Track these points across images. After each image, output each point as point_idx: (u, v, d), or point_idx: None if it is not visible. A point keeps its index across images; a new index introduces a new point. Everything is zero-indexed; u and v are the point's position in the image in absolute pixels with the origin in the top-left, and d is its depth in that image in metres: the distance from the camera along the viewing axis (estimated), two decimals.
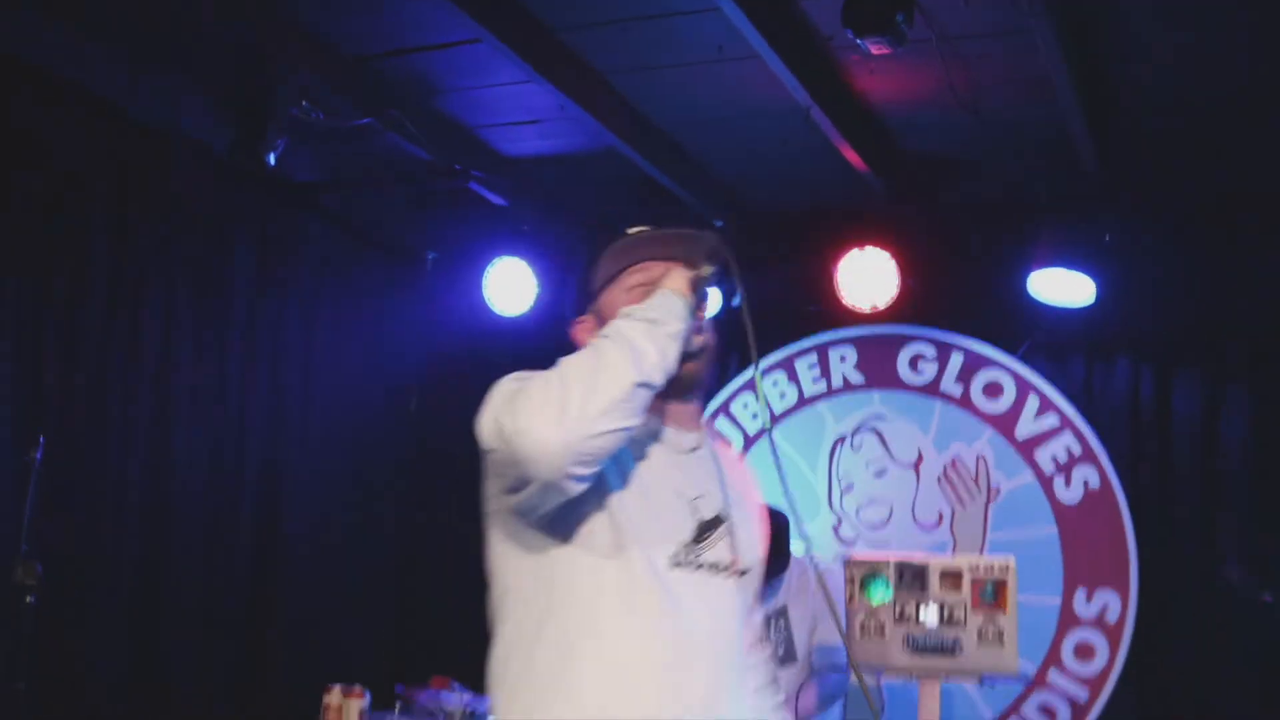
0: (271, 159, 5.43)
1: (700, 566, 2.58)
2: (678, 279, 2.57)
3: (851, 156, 5.60)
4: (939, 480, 6.54)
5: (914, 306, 6.34)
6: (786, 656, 5.26)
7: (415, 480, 7.35)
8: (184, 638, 5.70)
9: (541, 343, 6.69)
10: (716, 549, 2.61)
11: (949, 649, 4.81)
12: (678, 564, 2.55)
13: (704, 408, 2.84)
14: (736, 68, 4.96)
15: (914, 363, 6.61)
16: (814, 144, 5.51)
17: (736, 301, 2.66)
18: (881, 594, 5.01)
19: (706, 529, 2.61)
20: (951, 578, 4.80)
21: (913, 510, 6.61)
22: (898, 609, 4.99)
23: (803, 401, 6.84)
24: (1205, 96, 5.12)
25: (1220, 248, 5.98)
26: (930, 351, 6.58)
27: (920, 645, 4.86)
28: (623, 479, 2.55)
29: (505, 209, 6.48)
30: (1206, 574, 5.85)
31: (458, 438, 7.35)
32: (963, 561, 4.69)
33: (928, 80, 5.02)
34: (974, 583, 4.79)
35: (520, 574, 2.61)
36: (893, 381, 6.67)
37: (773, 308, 6.76)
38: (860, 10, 4.08)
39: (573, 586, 2.53)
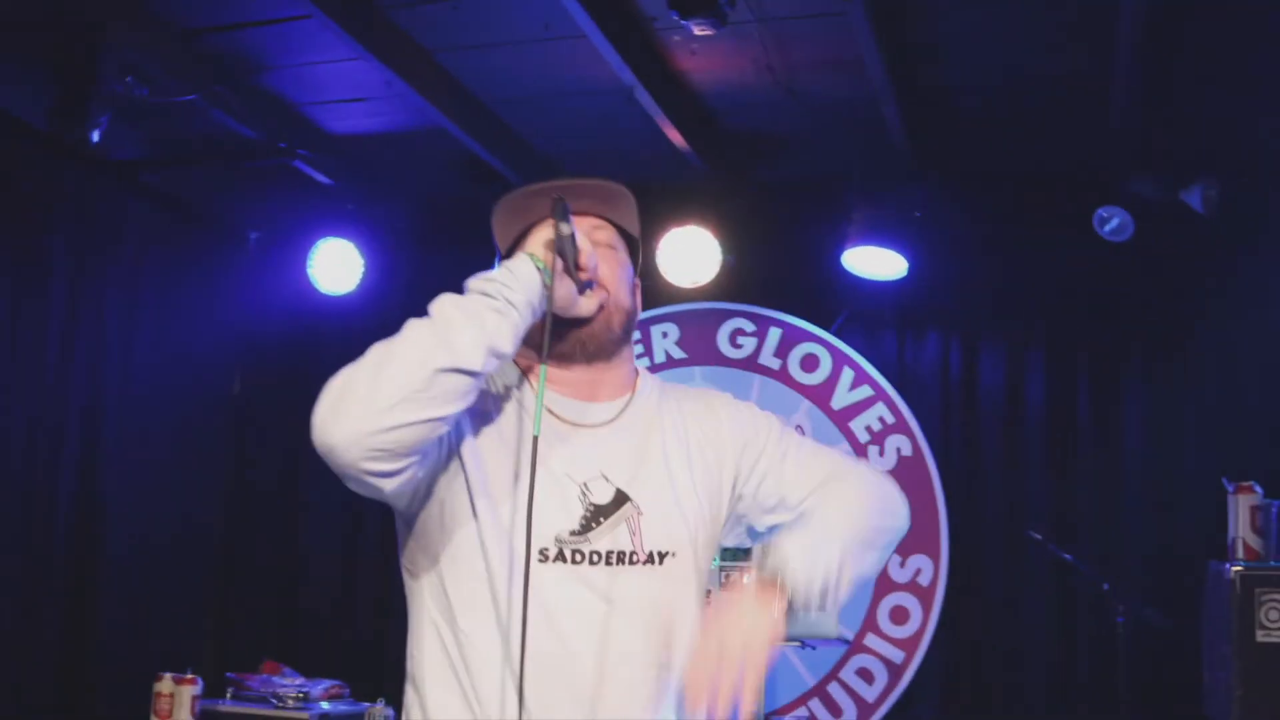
0: (95, 136, 5.36)
1: (585, 559, 2.29)
2: (537, 240, 2.37)
3: (673, 135, 5.72)
4: None
5: (734, 283, 6.52)
6: None
7: (238, 463, 7.31)
8: (4, 630, 5.61)
9: (367, 323, 6.80)
10: (612, 535, 2.32)
11: None
12: (554, 558, 2.28)
13: (627, 371, 2.52)
14: (562, 46, 5.05)
15: (734, 338, 6.78)
16: (637, 122, 5.62)
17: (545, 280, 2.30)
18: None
19: (599, 514, 2.33)
20: None
21: None
22: (724, 576, 5.16)
23: None
24: (1010, 78, 5.36)
25: (1021, 223, 6.26)
26: (749, 327, 6.76)
27: None
28: (485, 468, 2.32)
29: (331, 188, 6.47)
30: (1012, 535, 6.13)
31: (281, 419, 7.37)
32: None
33: (747, 60, 5.16)
34: None
35: (405, 567, 2.44)
36: (714, 357, 6.82)
37: None
38: None
39: (434, 589, 2.35)
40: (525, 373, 2.47)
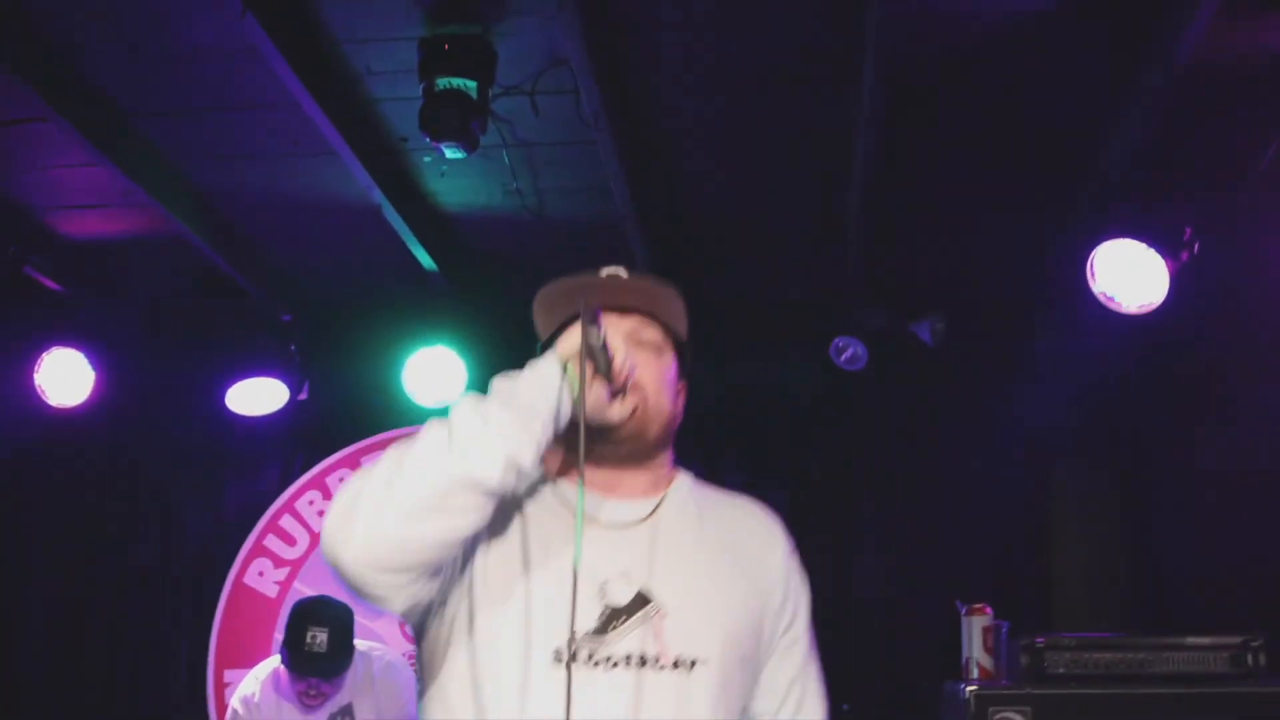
0: None
1: (601, 662, 2.15)
2: (568, 342, 2.23)
3: (421, 255, 5.73)
4: None
5: None
6: None
7: None
8: None
9: (97, 435, 6.59)
10: (631, 638, 2.17)
11: None
12: (568, 659, 2.12)
13: (663, 471, 2.42)
14: (312, 163, 5.02)
15: None
16: (385, 241, 5.60)
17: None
18: None
19: (617, 615, 2.18)
20: None
21: None
22: None
23: None
24: (751, 209, 5.56)
25: (759, 352, 6.45)
26: None
27: None
28: (499, 567, 2.20)
29: (61, 295, 6.24)
30: None
31: (2, 531, 6.99)
32: None
33: (495, 184, 5.22)
34: None
35: (419, 680, 2.33)
36: None
37: (340, 404, 6.80)
38: (436, 115, 4.22)
39: (441, 697, 2.24)
40: (548, 469, 2.34)
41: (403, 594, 2.08)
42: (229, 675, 6.64)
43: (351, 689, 5.24)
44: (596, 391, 2.18)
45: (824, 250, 5.78)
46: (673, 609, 2.21)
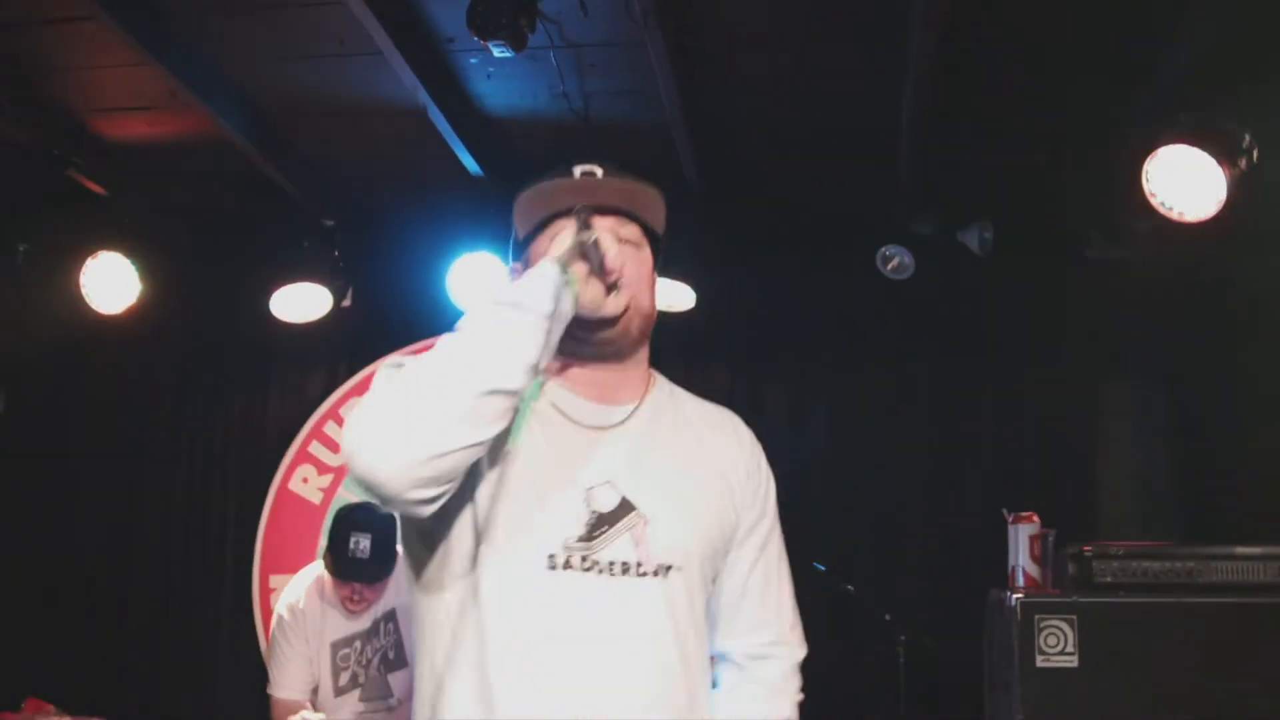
0: None
1: (592, 568, 2.25)
2: (561, 245, 2.27)
3: (465, 158, 5.68)
4: None
5: None
6: (396, 660, 5.26)
7: (3, 485, 6.99)
8: None
9: (142, 340, 6.60)
10: (615, 545, 2.26)
11: None
12: (561, 565, 2.23)
13: (641, 373, 2.48)
14: (357, 64, 4.97)
15: None
16: (430, 145, 5.55)
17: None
18: None
19: (603, 522, 2.28)
20: None
21: None
22: None
23: None
24: (801, 121, 5.50)
25: (806, 259, 6.41)
26: None
27: None
28: (496, 471, 2.26)
29: (106, 199, 6.20)
30: (796, 567, 6.18)
31: (50, 437, 7.04)
32: None
33: (542, 86, 5.16)
34: None
35: (413, 587, 2.38)
36: None
37: (385, 310, 6.79)
38: (485, 13, 4.16)
39: (441, 601, 2.30)
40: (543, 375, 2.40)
41: (435, 504, 2.12)
42: (274, 581, 6.70)
43: (395, 594, 5.25)
44: (594, 287, 2.26)
45: (874, 159, 5.70)
46: (654, 517, 2.31)
